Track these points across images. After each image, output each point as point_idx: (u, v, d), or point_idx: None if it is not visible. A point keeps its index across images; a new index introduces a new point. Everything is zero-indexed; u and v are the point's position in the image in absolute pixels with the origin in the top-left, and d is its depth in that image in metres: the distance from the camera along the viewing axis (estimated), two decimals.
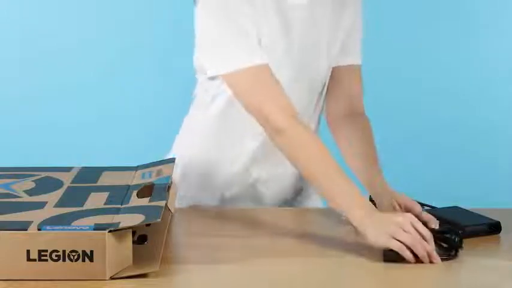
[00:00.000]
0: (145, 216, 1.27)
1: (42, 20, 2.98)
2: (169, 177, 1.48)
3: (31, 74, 2.99)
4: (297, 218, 1.65)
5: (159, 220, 1.26)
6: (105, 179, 1.54)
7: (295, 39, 1.64)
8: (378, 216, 1.41)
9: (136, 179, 1.52)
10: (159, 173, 1.52)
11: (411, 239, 1.35)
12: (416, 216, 1.42)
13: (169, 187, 1.46)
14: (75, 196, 1.43)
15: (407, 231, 1.36)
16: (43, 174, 1.57)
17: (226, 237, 1.47)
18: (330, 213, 1.58)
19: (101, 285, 1.22)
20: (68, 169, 1.61)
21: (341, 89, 1.74)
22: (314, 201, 1.83)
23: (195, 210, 1.71)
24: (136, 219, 1.27)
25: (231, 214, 1.63)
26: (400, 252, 1.34)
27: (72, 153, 2.78)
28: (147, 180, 1.49)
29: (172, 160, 1.57)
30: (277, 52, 1.62)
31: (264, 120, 1.55)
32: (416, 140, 2.98)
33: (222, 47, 1.58)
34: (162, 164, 1.57)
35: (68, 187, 1.49)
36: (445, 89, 2.99)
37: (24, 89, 2.99)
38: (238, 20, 1.56)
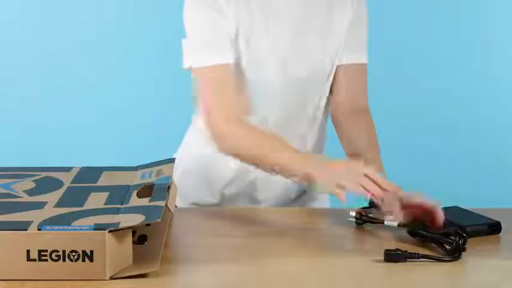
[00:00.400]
0: (145, 216, 1.27)
1: (41, 20, 2.98)
2: (169, 177, 1.48)
3: (31, 74, 2.99)
4: (297, 218, 1.65)
5: (159, 220, 1.26)
6: (105, 179, 1.54)
7: (282, 36, 1.64)
8: (327, 164, 1.47)
9: (137, 179, 1.52)
10: (159, 173, 1.52)
11: (363, 182, 1.42)
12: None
13: (169, 187, 1.46)
14: (75, 196, 1.43)
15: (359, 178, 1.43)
16: (43, 174, 1.57)
17: (226, 237, 1.47)
18: (330, 213, 1.58)
19: (101, 285, 1.22)
20: (68, 169, 1.61)
21: (344, 87, 1.74)
22: (320, 202, 1.83)
23: (195, 210, 1.72)
24: (137, 219, 1.27)
25: (231, 214, 1.63)
26: (348, 189, 1.42)
27: (72, 153, 2.78)
28: (147, 180, 1.49)
29: (172, 160, 1.57)
30: (262, 50, 1.63)
31: (208, 126, 1.59)
32: (417, 139, 2.98)
33: (194, 41, 1.61)
34: (162, 164, 1.57)
35: (68, 187, 1.49)
36: (445, 88, 3.00)
37: (24, 89, 2.99)
38: (212, 16, 1.58)
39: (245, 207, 1.74)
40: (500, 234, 1.50)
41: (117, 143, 2.94)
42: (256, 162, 1.57)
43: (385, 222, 1.50)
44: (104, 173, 1.57)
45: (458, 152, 3.00)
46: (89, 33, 2.98)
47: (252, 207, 1.75)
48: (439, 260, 1.35)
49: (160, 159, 1.61)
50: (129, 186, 1.48)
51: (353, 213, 1.54)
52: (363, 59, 1.75)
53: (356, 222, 1.54)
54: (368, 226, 1.53)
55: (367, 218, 1.53)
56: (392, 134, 2.91)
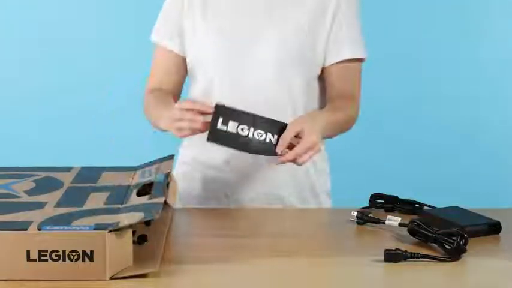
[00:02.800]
0: (144, 213, 1.27)
1: (41, 20, 2.98)
2: (168, 173, 1.48)
3: (31, 74, 2.99)
4: (297, 218, 1.65)
5: (157, 216, 1.25)
6: (105, 179, 1.54)
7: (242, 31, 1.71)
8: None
9: (136, 178, 1.52)
10: (158, 170, 1.52)
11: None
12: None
13: (168, 183, 1.46)
14: (75, 196, 1.43)
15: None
16: (43, 174, 1.57)
17: (226, 237, 1.47)
18: (331, 214, 1.58)
19: (101, 285, 1.22)
20: (68, 169, 1.61)
21: (329, 85, 1.75)
22: (321, 200, 1.82)
23: (195, 210, 1.71)
24: (136, 217, 1.27)
25: (231, 214, 1.63)
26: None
27: (72, 153, 2.78)
28: (147, 179, 1.49)
29: (171, 157, 1.57)
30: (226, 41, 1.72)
31: None
32: (416, 139, 2.98)
33: (159, 17, 1.82)
34: (161, 161, 1.57)
35: (68, 187, 1.49)
36: (446, 88, 3.00)
37: (24, 89, 2.99)
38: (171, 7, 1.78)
39: (245, 207, 1.74)
40: (500, 234, 1.50)
41: (117, 142, 2.94)
42: (151, 121, 1.74)
43: (386, 222, 1.50)
44: (104, 173, 1.57)
45: (458, 152, 3.00)
46: (89, 33, 2.97)
47: (252, 207, 1.75)
48: (439, 260, 1.35)
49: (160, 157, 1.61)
50: (129, 185, 1.48)
51: (354, 213, 1.55)
52: (345, 55, 1.75)
53: (357, 222, 1.54)
54: (369, 226, 1.53)
55: (368, 218, 1.54)
56: (392, 133, 2.92)
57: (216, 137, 1.49)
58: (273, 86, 1.71)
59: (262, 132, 1.50)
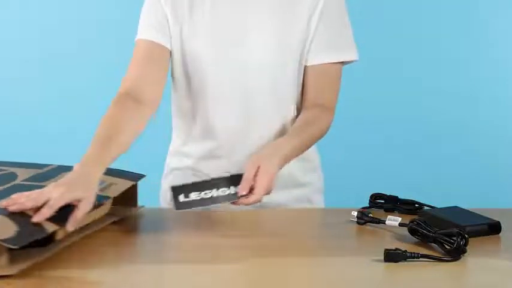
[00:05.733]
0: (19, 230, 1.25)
1: (41, 22, 2.98)
2: (109, 197, 1.48)
3: (30, 75, 2.99)
4: (297, 218, 1.65)
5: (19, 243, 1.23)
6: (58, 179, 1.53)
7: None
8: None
9: None
10: (110, 185, 1.52)
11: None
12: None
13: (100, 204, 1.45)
14: (9, 193, 1.38)
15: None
16: (11, 169, 1.56)
17: (226, 237, 1.47)
18: (331, 214, 1.58)
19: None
20: (41, 166, 1.60)
21: (308, 87, 1.74)
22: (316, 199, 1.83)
23: (195, 210, 1.71)
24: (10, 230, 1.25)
25: (231, 214, 1.63)
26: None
27: (72, 153, 2.78)
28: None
29: (138, 177, 1.57)
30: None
31: None
32: (417, 139, 2.98)
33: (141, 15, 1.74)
34: (126, 177, 1.57)
35: (15, 185, 1.48)
36: (446, 89, 3.00)
37: (24, 89, 2.99)
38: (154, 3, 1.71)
39: (244, 207, 1.74)
40: (500, 234, 1.50)
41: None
42: None
43: (387, 222, 1.50)
44: (65, 173, 1.49)
45: (458, 152, 3.00)
46: (89, 33, 2.98)
47: (252, 207, 1.75)
48: (439, 260, 1.35)
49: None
50: None
51: (354, 213, 1.55)
52: (327, 58, 1.73)
53: (357, 222, 1.54)
54: (369, 226, 1.53)
55: (368, 218, 1.54)
56: (392, 133, 2.92)
57: (182, 206, 1.51)
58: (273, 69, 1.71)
59: (225, 188, 1.53)
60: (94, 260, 1.34)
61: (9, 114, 2.99)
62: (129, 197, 1.58)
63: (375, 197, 1.66)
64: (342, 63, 1.76)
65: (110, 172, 1.50)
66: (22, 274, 1.23)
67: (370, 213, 1.55)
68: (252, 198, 1.51)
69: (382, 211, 1.63)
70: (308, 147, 1.70)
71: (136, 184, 1.58)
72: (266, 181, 1.51)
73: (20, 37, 2.99)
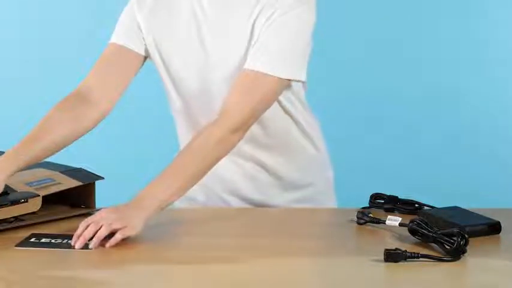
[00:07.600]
0: None
1: (41, 22, 2.98)
2: (36, 195, 1.51)
3: (30, 75, 2.99)
4: (297, 218, 1.65)
5: None
6: (28, 174, 1.58)
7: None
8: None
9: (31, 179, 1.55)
10: (54, 185, 1.56)
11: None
12: None
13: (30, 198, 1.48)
14: None
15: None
16: None
17: (225, 237, 1.47)
18: (331, 214, 1.58)
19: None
20: None
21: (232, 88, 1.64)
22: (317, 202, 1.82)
23: (194, 210, 1.71)
24: None
25: (230, 214, 1.63)
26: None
27: (72, 153, 2.78)
28: (42, 184, 1.54)
29: (88, 179, 1.60)
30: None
31: None
32: (417, 139, 2.98)
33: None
34: (77, 178, 1.60)
35: None
36: (446, 87, 2.99)
37: (24, 89, 2.99)
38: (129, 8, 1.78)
39: (245, 207, 1.74)
40: (500, 234, 1.50)
41: (118, 142, 2.94)
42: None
43: (387, 222, 1.50)
44: (36, 169, 1.61)
45: (458, 152, 3.00)
46: (89, 34, 2.97)
47: (252, 207, 1.75)
48: (439, 260, 1.35)
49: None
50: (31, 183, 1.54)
51: (354, 213, 1.55)
52: (256, 66, 1.59)
53: (358, 222, 1.54)
54: (369, 226, 1.53)
55: (368, 218, 1.54)
56: (392, 133, 2.92)
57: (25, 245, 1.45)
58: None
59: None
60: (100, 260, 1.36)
61: (9, 114, 2.99)
62: (86, 198, 1.62)
63: (375, 197, 1.66)
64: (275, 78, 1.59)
65: (66, 171, 1.60)
66: (26, 275, 1.23)
67: (370, 213, 1.55)
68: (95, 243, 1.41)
69: (382, 211, 1.63)
70: (200, 176, 1.54)
71: (93, 185, 1.60)
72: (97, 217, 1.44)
73: (20, 37, 2.99)
